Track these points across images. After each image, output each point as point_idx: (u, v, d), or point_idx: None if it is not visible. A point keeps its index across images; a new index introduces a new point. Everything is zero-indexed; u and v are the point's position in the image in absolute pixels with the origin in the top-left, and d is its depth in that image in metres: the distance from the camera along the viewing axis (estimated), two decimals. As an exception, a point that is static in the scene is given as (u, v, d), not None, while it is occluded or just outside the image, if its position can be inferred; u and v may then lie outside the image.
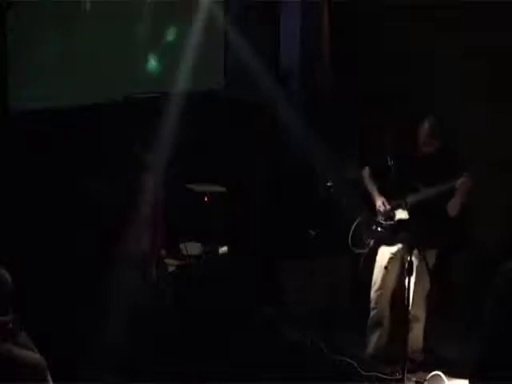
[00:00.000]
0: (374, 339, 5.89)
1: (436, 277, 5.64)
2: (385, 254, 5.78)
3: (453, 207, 5.48)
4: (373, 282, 5.86)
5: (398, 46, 7.02)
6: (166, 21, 7.17)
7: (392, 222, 5.72)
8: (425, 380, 5.56)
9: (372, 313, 5.89)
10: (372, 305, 5.87)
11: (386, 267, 5.74)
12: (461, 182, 5.41)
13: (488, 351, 3.43)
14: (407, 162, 5.60)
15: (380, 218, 5.77)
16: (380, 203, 5.74)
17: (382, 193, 5.77)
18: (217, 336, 5.97)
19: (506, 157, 6.29)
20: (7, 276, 3.67)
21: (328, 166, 6.87)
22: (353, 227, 5.87)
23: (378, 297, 5.83)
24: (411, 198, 5.57)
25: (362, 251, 5.85)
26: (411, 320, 5.62)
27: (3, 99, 6.19)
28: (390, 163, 5.46)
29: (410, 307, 5.54)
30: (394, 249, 5.75)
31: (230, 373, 5.45)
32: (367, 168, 5.90)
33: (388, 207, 5.71)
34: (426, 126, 5.64)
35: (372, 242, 5.80)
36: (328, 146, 7.01)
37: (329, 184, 5.92)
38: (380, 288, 5.81)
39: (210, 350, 5.81)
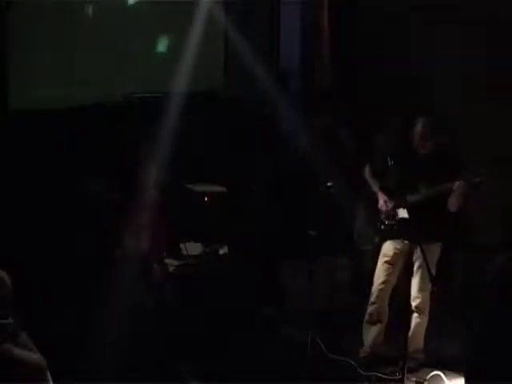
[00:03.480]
0: (371, 336, 5.86)
1: (437, 275, 5.63)
2: (389, 249, 5.76)
3: (452, 206, 5.48)
4: (376, 277, 5.81)
5: (398, 46, 7.02)
6: (167, 21, 7.17)
7: (394, 222, 5.70)
8: (425, 380, 5.56)
9: (371, 308, 5.83)
10: (372, 299, 5.82)
11: (390, 262, 5.74)
12: (457, 185, 5.38)
13: (484, 346, 3.42)
14: (405, 161, 5.59)
15: (382, 217, 5.77)
16: (382, 202, 5.73)
17: (384, 191, 5.76)
18: (217, 336, 5.97)
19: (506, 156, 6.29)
20: (6, 277, 3.67)
21: (328, 166, 6.87)
22: (357, 224, 5.87)
23: (380, 291, 5.77)
24: (411, 198, 5.55)
25: (367, 248, 5.85)
26: (414, 312, 5.63)
27: (3, 99, 6.19)
28: (389, 163, 5.45)
29: (412, 302, 5.57)
30: (398, 244, 5.73)
31: (230, 373, 5.45)
32: (367, 166, 5.88)
33: (390, 206, 5.71)
34: (418, 127, 5.59)
35: (377, 240, 5.80)
36: (327, 145, 7.00)
37: (329, 184, 5.90)
38: (383, 282, 5.76)
39: (210, 349, 5.81)
